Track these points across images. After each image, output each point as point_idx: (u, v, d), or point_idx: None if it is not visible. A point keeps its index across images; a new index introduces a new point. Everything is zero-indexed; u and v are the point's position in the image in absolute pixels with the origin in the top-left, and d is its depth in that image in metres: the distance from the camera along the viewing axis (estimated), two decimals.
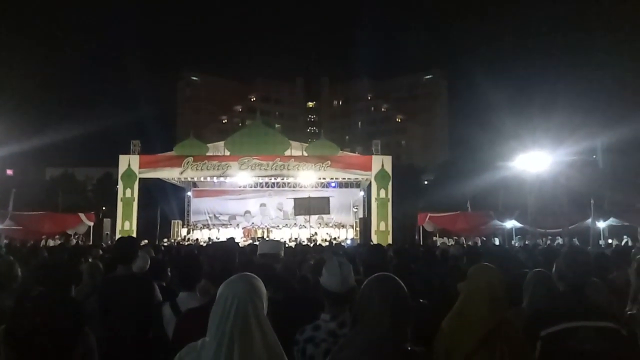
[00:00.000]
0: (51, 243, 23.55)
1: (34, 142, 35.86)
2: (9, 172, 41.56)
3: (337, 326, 2.56)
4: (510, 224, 23.34)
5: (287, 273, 4.81)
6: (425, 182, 45.29)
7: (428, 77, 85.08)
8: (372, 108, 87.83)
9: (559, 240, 20.82)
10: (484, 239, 24.88)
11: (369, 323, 2.02)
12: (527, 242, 19.07)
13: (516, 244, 21.03)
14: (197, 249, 9.52)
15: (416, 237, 28.15)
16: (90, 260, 6.69)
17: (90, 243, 24.07)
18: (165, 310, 3.66)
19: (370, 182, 25.99)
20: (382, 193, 25.45)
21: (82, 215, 25.94)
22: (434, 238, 27.18)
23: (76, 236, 26.09)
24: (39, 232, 24.86)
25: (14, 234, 24.52)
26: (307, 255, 8.27)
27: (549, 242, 20.78)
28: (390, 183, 25.47)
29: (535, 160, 24.00)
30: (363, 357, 1.98)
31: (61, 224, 26.06)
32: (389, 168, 25.54)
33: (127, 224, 25.01)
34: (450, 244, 21.55)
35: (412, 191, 34.33)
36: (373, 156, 26.04)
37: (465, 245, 19.27)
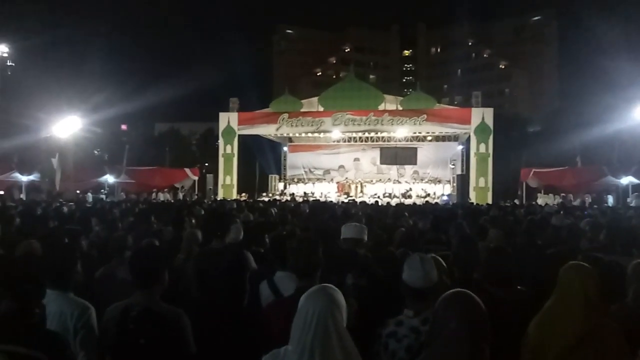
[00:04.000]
0: (161, 196, 25.40)
1: (144, 100, 38.37)
2: (123, 127, 45.08)
3: (420, 323, 2.48)
4: (626, 180, 21.38)
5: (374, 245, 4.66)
6: (531, 133, 42.35)
7: (536, 18, 78.21)
8: (473, 54, 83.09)
9: None
10: (594, 195, 22.99)
11: (446, 344, 1.90)
12: None
13: (632, 203, 19.20)
14: (290, 212, 9.63)
15: (518, 192, 26.75)
16: (193, 221, 7.01)
17: (196, 197, 25.64)
18: (263, 288, 3.68)
19: (470, 135, 24.79)
20: (482, 147, 24.24)
21: (187, 170, 27.65)
22: (538, 195, 25.64)
23: (183, 190, 27.90)
24: (150, 185, 26.94)
25: (129, 187, 26.74)
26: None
27: None
28: (491, 137, 24.15)
29: None
30: None
31: (169, 178, 28.01)
32: (490, 121, 24.15)
33: (228, 179, 26.24)
34: (554, 203, 20.19)
35: (515, 144, 32.28)
36: (473, 108, 24.73)
37: (570, 205, 18.02)
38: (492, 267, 3.54)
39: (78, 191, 24.39)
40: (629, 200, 20.77)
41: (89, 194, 23.71)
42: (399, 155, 25.42)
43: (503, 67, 79.55)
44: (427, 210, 11.96)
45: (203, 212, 9.34)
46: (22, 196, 22.59)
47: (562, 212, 11.11)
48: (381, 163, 28.14)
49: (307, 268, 2.75)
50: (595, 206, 17.35)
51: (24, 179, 23.06)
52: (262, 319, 2.83)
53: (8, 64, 33.76)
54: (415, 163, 27.28)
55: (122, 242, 4.42)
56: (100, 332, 2.87)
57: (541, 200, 23.74)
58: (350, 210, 10.01)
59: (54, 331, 2.57)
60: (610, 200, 22.44)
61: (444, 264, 3.77)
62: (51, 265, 2.98)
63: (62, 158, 23.26)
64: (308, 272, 2.75)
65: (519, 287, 3.97)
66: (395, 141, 28.59)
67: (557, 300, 2.52)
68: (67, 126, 24.27)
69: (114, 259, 4.26)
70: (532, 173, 24.46)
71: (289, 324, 2.18)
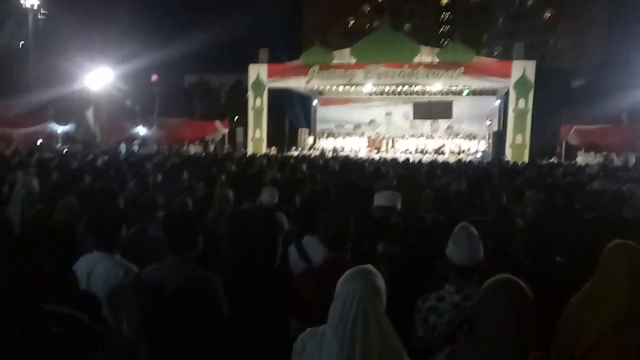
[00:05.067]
0: (192, 148, 25.66)
1: (173, 50, 38.24)
2: (154, 77, 45.25)
3: (461, 299, 2.44)
4: None
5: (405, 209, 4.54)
6: (574, 88, 40.46)
7: None
8: (517, 2, 79.14)
9: None
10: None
11: (491, 331, 1.83)
12: None
13: None
14: (319, 170, 9.53)
15: (557, 150, 25.89)
16: (223, 177, 7.02)
17: (226, 150, 25.81)
18: (291, 251, 3.66)
19: (509, 90, 23.84)
20: (522, 103, 23.33)
21: (217, 123, 27.72)
22: (578, 153, 24.78)
23: (213, 142, 28.08)
24: (181, 137, 27.21)
25: (160, 138, 27.09)
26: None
27: None
28: (531, 92, 23.13)
29: None
30: None
31: (200, 130, 28.19)
32: (531, 75, 23.06)
33: (257, 132, 26.19)
34: (595, 162, 19.50)
35: (557, 99, 30.88)
36: (513, 61, 23.54)
37: (612, 165, 17.34)
38: (530, 240, 3.40)
39: (112, 142, 24.86)
40: None
41: (122, 145, 24.12)
42: (433, 109, 24.61)
43: (548, 15, 75.58)
44: (461, 170, 11.72)
45: (234, 168, 9.37)
46: (59, 146, 23.22)
47: (603, 175, 10.72)
48: (414, 118, 27.41)
49: (337, 240, 2.69)
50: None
51: (60, 129, 23.60)
52: (293, 287, 2.79)
53: (40, 13, 33.90)
54: (450, 117, 26.43)
55: (152, 201, 4.42)
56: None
57: (581, 158, 22.94)
58: (380, 169, 9.87)
59: (88, 291, 2.63)
60: None
61: (477, 234, 3.66)
62: (98, 227, 3.05)
63: (96, 110, 23.61)
64: (339, 244, 2.68)
65: (557, 258, 3.84)
66: (430, 95, 27.79)
67: (601, 279, 2.44)
68: (99, 77, 24.48)
69: (145, 218, 4.28)
70: (573, 130, 23.52)
71: (318, 294, 2.15)
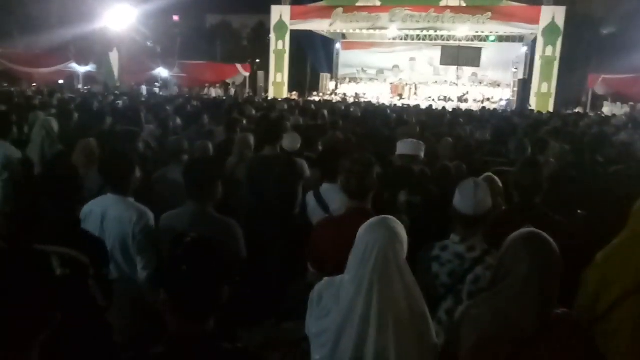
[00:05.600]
0: (213, 92, 25.55)
1: None
2: (175, 17, 44.43)
3: (465, 250, 2.42)
4: None
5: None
6: (604, 35, 38.68)
7: None
8: None
9: None
10: None
11: (515, 287, 1.79)
12: None
13: None
14: (341, 116, 9.42)
15: (583, 99, 25.15)
16: (244, 122, 6.99)
17: (247, 94, 25.64)
18: (310, 198, 3.67)
19: (536, 37, 22.96)
20: (549, 50, 22.53)
21: (238, 66, 27.41)
22: (604, 103, 24.04)
23: (234, 85, 27.89)
24: (202, 80, 27.08)
25: (181, 80, 26.97)
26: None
27: None
28: (560, 39, 22.32)
29: None
30: (501, 320, 1.81)
31: (221, 73, 27.94)
32: (560, 21, 22.17)
33: (279, 76, 25.86)
34: (622, 113, 18.92)
35: (585, 47, 29.70)
36: (543, 7, 22.60)
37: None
38: (553, 192, 3.35)
39: (133, 83, 24.82)
40: None
41: (143, 87, 24.09)
42: (461, 56, 23.87)
43: None
44: (485, 118, 11.49)
45: (254, 112, 9.30)
46: (80, 86, 23.29)
47: (631, 126, 10.42)
48: (441, 64, 26.67)
49: (360, 190, 2.65)
50: None
51: (82, 69, 23.58)
52: (313, 235, 2.80)
53: None
54: (478, 65, 25.75)
55: (179, 146, 4.43)
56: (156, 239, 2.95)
57: (607, 109, 22.31)
58: (403, 117, 9.72)
59: (92, 234, 2.61)
60: None
61: (500, 185, 3.60)
62: (111, 170, 3.01)
63: (118, 51, 23.43)
64: (361, 194, 2.66)
65: (579, 211, 3.79)
66: (455, 40, 26.90)
67: (627, 236, 2.34)
68: (121, 16, 24.12)
69: (171, 163, 4.30)
70: (600, 79, 22.76)
71: (339, 243, 2.14)
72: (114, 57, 23.54)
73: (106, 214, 2.88)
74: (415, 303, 1.91)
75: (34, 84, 20.90)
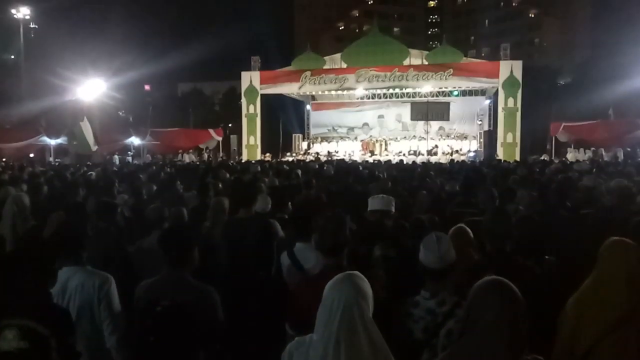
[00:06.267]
0: (187, 157, 25.62)
1: (166, 60, 38.19)
2: (147, 87, 45.15)
3: (436, 305, 2.47)
4: None
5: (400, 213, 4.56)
6: (561, 85, 40.70)
7: None
8: (501, 3, 79.64)
9: None
10: (628, 150, 22.23)
11: (484, 334, 1.83)
12: None
13: None
14: (314, 174, 9.55)
15: (547, 147, 26.07)
16: (220, 185, 7.00)
17: (221, 158, 25.78)
18: (284, 258, 3.67)
19: (497, 90, 24.05)
20: (511, 102, 23.56)
21: (211, 131, 27.69)
22: (567, 149, 24.96)
23: (207, 150, 28.05)
24: (175, 146, 27.15)
25: (154, 148, 27.00)
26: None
27: None
28: (519, 91, 23.41)
29: None
30: None
31: (194, 139, 28.14)
32: (518, 74, 23.34)
33: (252, 139, 26.23)
34: (585, 158, 19.61)
35: (545, 97, 31.15)
36: (501, 62, 23.87)
37: (603, 160, 17.45)
38: (522, 238, 3.44)
39: (105, 153, 24.73)
40: None
41: (116, 156, 24.03)
42: (430, 111, 24.68)
43: (533, 15, 76.11)
44: (454, 170, 11.77)
45: (228, 176, 9.36)
46: (51, 159, 23.09)
47: (596, 171, 10.78)
48: (412, 119, 27.40)
49: (334, 247, 2.69)
50: (629, 161, 16.78)
51: (52, 142, 23.46)
52: (290, 296, 2.80)
53: (31, 26, 33.79)
54: (447, 119, 26.44)
55: (160, 213, 4.44)
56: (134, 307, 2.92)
57: (571, 155, 23.12)
58: (375, 172, 9.91)
59: (60, 306, 2.62)
60: None
61: (471, 235, 3.67)
62: (66, 241, 3.02)
63: (89, 121, 23.45)
64: (335, 250, 2.69)
65: (547, 257, 3.88)
66: (421, 96, 27.93)
67: (597, 278, 2.42)
68: (91, 89, 24.38)
69: (153, 232, 4.27)
70: (562, 127, 23.72)
71: (315, 302, 2.15)
72: (86, 128, 23.53)
73: (66, 285, 2.88)
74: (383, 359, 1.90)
75: (3, 159, 20.66)
